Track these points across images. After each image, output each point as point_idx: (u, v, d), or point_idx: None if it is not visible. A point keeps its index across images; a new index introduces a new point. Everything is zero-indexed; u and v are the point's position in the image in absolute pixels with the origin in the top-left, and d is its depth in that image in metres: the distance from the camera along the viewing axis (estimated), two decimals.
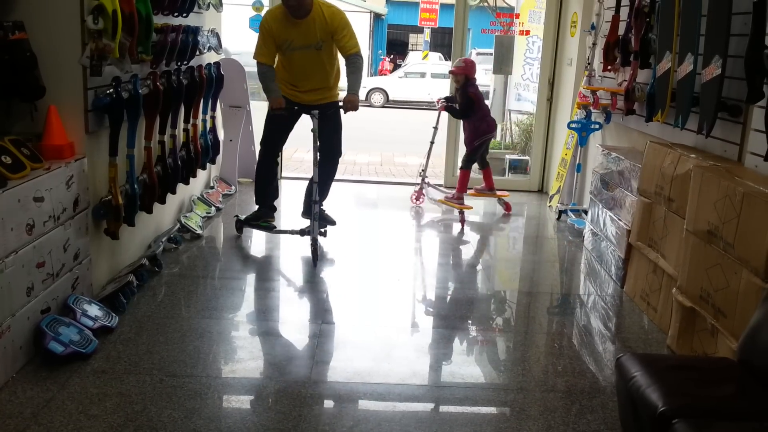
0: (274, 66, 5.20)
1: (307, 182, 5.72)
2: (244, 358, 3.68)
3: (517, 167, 8.47)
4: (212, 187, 6.66)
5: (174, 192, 5.14)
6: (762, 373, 2.63)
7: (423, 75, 21.25)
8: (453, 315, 4.45)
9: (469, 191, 6.83)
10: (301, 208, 5.70)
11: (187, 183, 5.52)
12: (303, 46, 5.05)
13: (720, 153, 4.16)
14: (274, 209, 5.70)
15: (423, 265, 5.48)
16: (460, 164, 6.89)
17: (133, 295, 4.23)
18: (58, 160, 3.66)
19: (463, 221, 6.49)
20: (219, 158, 6.77)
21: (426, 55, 23.25)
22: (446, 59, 21.79)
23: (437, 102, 6.90)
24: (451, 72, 6.72)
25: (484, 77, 14.04)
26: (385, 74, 24.91)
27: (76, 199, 3.77)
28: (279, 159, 5.70)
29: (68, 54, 3.73)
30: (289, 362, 3.65)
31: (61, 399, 3.11)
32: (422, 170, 7.02)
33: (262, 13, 7.65)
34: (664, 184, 4.30)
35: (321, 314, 4.31)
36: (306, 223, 5.38)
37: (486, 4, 10.06)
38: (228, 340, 3.88)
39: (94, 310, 3.77)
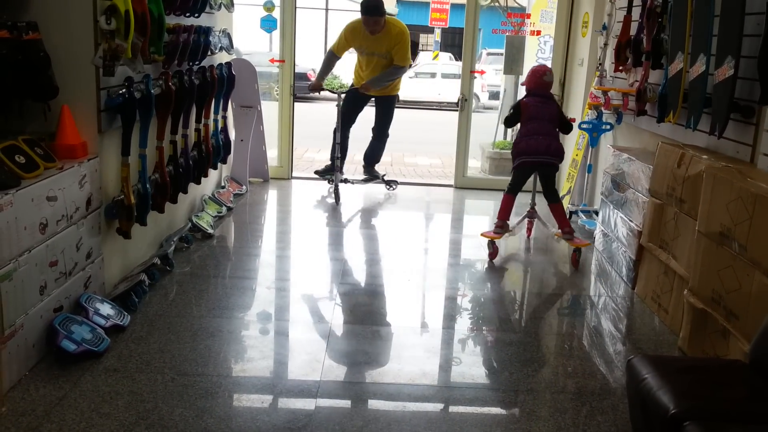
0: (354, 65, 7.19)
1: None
2: (255, 357, 3.69)
3: None
4: (223, 187, 6.68)
5: (185, 191, 5.16)
6: None
7: (433, 75, 21.21)
8: (463, 315, 4.45)
9: (554, 233, 5.66)
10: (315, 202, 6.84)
11: (198, 182, 5.55)
12: (372, 52, 6.87)
13: (732, 154, 4.13)
14: (340, 166, 7.13)
15: (433, 266, 5.48)
16: (552, 199, 5.58)
17: (144, 294, 4.25)
18: (71, 159, 3.68)
19: (492, 255, 5.43)
20: (230, 158, 6.79)
21: (436, 56, 23.19)
22: (456, 59, 21.75)
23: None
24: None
25: (495, 77, 14.03)
26: None
27: (88, 199, 3.79)
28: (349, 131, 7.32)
29: (81, 54, 3.75)
30: (299, 362, 3.66)
31: (73, 397, 3.13)
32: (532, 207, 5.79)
33: (273, 13, 7.70)
34: (675, 185, 4.29)
35: (331, 314, 4.32)
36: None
37: (497, 4, 10.04)
38: (239, 339, 3.89)
39: (106, 308, 3.79)
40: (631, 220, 5.01)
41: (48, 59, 3.55)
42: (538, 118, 5.40)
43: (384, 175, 7.57)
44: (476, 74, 7.94)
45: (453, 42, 26.77)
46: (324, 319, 4.24)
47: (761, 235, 3.19)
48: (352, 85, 7.21)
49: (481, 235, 5.57)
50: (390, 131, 7.41)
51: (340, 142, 7.00)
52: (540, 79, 5.50)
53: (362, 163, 7.56)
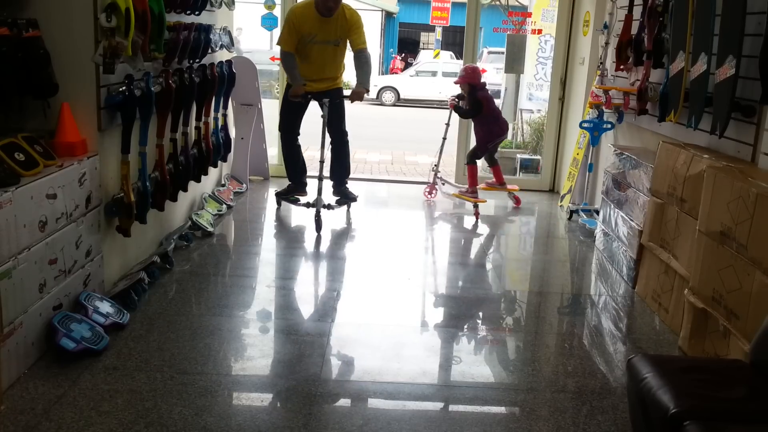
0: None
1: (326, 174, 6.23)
2: (255, 355, 3.69)
3: (529, 166, 8.45)
4: (224, 185, 6.68)
5: (186, 189, 5.15)
6: None
7: (434, 74, 21.22)
8: (463, 314, 4.45)
9: (480, 186, 7.04)
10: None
11: (198, 181, 5.54)
12: (324, 41, 5.84)
13: (733, 153, 4.13)
14: (304, 185, 6.44)
15: (433, 264, 5.48)
16: (465, 160, 7.18)
17: (144, 292, 4.25)
18: (70, 157, 3.68)
19: (477, 214, 6.76)
20: (230, 156, 6.79)
21: (437, 54, 23.19)
22: (458, 58, 21.75)
23: (449, 99, 7.02)
24: (456, 83, 6.92)
25: (496, 76, 14.02)
26: (396, 73, 24.88)
27: (88, 196, 3.79)
28: (298, 140, 6.32)
29: (81, 52, 3.74)
30: (299, 360, 3.65)
31: (72, 395, 3.13)
32: (435, 165, 7.21)
33: (274, 11, 7.69)
34: (676, 184, 4.28)
35: (331, 313, 4.32)
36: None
37: (498, 2, 10.03)
38: (238, 337, 3.89)
39: (105, 307, 3.79)
40: (631, 220, 5.00)
41: (48, 56, 3.55)
42: (493, 104, 6.91)
43: (356, 197, 6.55)
44: None
45: (454, 40, 26.77)
46: (323, 317, 4.23)
47: (762, 235, 3.18)
48: (289, 86, 6.01)
49: (458, 196, 7.04)
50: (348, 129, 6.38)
51: (299, 159, 6.24)
52: (480, 74, 6.82)
53: (330, 182, 6.44)
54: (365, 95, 5.98)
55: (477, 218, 6.72)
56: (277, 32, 7.59)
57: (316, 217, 5.79)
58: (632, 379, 2.72)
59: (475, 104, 6.74)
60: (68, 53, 3.71)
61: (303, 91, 5.85)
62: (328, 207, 6.06)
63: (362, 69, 5.86)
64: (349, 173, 6.50)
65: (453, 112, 7.01)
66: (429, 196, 7.21)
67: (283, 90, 6.47)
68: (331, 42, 5.87)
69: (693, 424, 2.31)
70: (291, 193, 6.36)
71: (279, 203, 6.49)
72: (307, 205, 5.99)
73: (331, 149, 6.20)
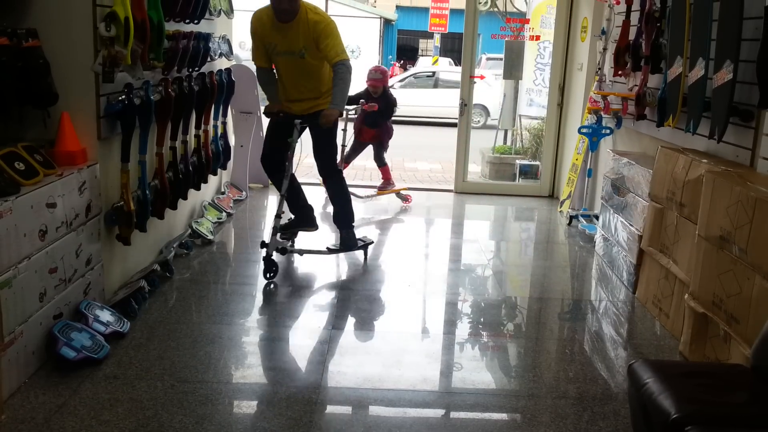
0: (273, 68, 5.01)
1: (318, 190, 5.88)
2: (255, 363, 3.69)
3: (528, 172, 8.46)
4: (223, 193, 6.69)
5: (185, 198, 5.16)
6: None
7: (432, 79, 21.22)
8: (463, 321, 4.45)
9: (371, 194, 7.45)
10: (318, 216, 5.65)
11: (198, 189, 5.55)
12: (286, 51, 4.76)
13: (732, 158, 4.14)
14: (311, 218, 5.45)
15: (433, 271, 5.48)
16: (378, 163, 7.51)
17: (144, 300, 4.25)
18: (70, 166, 3.68)
19: (408, 199, 7.33)
20: (230, 164, 6.79)
21: (436, 61, 23.25)
22: (456, 64, 21.77)
23: (361, 105, 6.73)
24: (372, 83, 7.01)
25: (494, 82, 14.03)
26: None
27: (88, 205, 3.79)
28: (285, 171, 4.97)
29: (81, 61, 3.75)
30: (299, 368, 3.65)
31: (73, 404, 3.12)
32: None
33: None
34: (675, 189, 4.28)
35: (331, 320, 4.31)
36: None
37: (496, 9, 10.06)
38: (239, 345, 3.88)
39: (105, 315, 3.79)
40: (631, 225, 5.01)
41: (48, 66, 3.56)
42: None
43: (371, 242, 5.57)
44: (476, 79, 7.93)
45: (452, 47, 26.83)
46: (324, 324, 4.23)
47: (761, 239, 3.18)
48: (267, 108, 5.07)
49: (383, 192, 7.41)
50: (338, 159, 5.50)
51: (285, 192, 4.98)
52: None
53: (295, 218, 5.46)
54: (329, 123, 4.72)
55: (409, 202, 7.27)
56: None
57: (265, 260, 4.80)
58: (633, 384, 2.72)
59: (392, 105, 7.06)
60: (68, 63, 3.72)
61: (277, 109, 4.94)
62: (300, 253, 5.27)
63: (336, 86, 4.69)
64: (349, 218, 5.35)
65: (362, 117, 7.04)
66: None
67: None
68: (295, 54, 4.74)
69: (694, 429, 2.30)
70: (293, 227, 5.43)
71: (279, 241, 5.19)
72: (262, 244, 4.98)
73: (327, 191, 5.54)
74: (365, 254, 5.47)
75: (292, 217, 5.45)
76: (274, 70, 5.02)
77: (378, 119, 7.08)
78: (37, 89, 3.52)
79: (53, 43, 3.65)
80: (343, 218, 5.33)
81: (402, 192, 7.42)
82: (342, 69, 4.67)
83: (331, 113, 4.69)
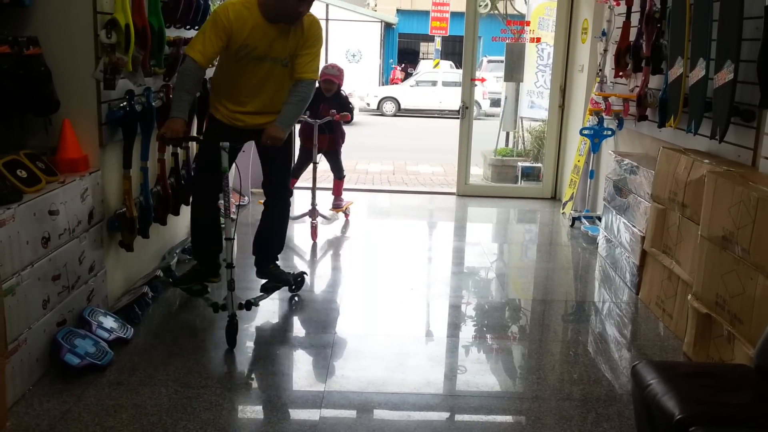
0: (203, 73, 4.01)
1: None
2: (258, 368, 3.69)
3: (530, 174, 8.47)
4: None
5: (188, 203, 5.16)
6: None
7: (434, 83, 21.29)
8: (467, 323, 4.44)
9: (327, 215, 6.44)
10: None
11: None
12: (265, 57, 3.92)
13: (734, 158, 4.13)
14: (217, 266, 4.44)
15: (436, 274, 5.47)
16: (336, 175, 6.66)
17: (147, 306, 4.25)
18: (72, 173, 3.69)
19: (348, 215, 6.81)
20: (232, 169, 6.78)
21: (437, 64, 23.28)
22: (457, 67, 21.79)
23: (330, 114, 5.98)
24: (328, 79, 6.19)
25: (495, 85, 14.04)
26: (396, 83, 24.97)
27: (90, 212, 3.80)
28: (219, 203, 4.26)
29: (82, 68, 3.76)
30: (303, 372, 3.65)
31: (77, 411, 3.13)
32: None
33: None
34: (677, 189, 4.28)
35: (333, 324, 4.31)
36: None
37: (496, 11, 10.08)
38: (242, 350, 3.88)
39: (109, 321, 3.79)
40: (633, 226, 5.00)
41: (49, 74, 3.56)
42: None
43: (300, 275, 4.72)
44: (477, 82, 7.94)
45: (453, 50, 26.85)
46: (326, 328, 4.23)
47: (764, 239, 3.18)
48: (207, 125, 4.37)
49: (341, 210, 6.70)
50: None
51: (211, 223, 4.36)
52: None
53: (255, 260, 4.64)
54: (275, 141, 3.89)
55: (348, 218, 6.76)
56: None
57: (228, 326, 3.83)
58: (637, 385, 2.72)
59: (349, 109, 6.26)
60: (69, 70, 3.73)
61: (181, 131, 3.81)
62: (246, 306, 4.08)
63: (294, 104, 3.97)
64: (282, 248, 4.61)
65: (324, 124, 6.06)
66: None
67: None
68: (277, 60, 3.95)
69: (698, 429, 2.30)
70: (195, 278, 4.39)
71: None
72: (215, 307, 3.99)
73: (264, 212, 4.49)
74: (295, 288, 4.70)
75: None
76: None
77: (332, 122, 6.10)
78: (38, 97, 3.53)
79: (54, 50, 3.66)
80: (279, 248, 4.59)
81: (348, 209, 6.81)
82: (308, 89, 4.01)
83: (278, 132, 3.89)
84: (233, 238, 3.93)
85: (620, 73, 5.80)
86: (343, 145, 6.65)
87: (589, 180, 6.71)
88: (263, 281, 4.54)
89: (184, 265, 5.09)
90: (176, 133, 3.79)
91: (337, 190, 6.77)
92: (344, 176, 6.78)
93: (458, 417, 3.30)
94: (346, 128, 6.73)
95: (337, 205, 6.72)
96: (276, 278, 4.52)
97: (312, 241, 5.98)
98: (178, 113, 3.83)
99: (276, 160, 4.28)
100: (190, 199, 4.43)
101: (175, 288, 4.55)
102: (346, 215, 6.80)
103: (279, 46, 3.94)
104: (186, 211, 5.30)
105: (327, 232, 6.18)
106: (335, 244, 6.02)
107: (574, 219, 6.72)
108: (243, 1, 3.89)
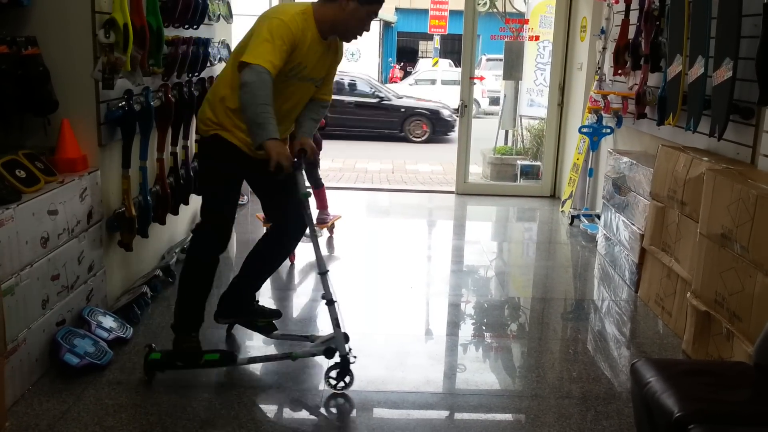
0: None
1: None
2: (258, 367, 3.69)
3: (529, 173, 8.47)
4: None
5: (187, 203, 5.16)
6: None
7: (433, 82, 21.26)
8: (466, 322, 4.45)
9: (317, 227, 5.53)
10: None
11: (199, 194, 5.54)
12: (309, 77, 3.43)
13: (733, 156, 4.13)
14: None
15: (436, 273, 5.48)
16: (314, 185, 5.85)
17: (147, 306, 4.25)
18: (71, 173, 3.69)
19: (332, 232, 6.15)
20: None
21: (436, 62, 23.25)
22: (456, 66, 21.77)
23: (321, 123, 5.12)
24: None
25: (494, 83, 14.04)
26: (395, 81, 24.96)
27: (89, 212, 3.79)
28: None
29: (80, 68, 3.76)
30: (303, 371, 3.65)
31: (76, 411, 3.13)
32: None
33: None
34: (676, 187, 4.28)
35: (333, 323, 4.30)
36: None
37: (495, 10, 10.08)
38: (242, 350, 3.88)
39: (108, 321, 3.79)
40: (633, 224, 5.00)
41: (47, 73, 3.56)
42: None
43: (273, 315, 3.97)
44: (476, 80, 7.94)
45: (452, 48, 26.83)
46: (326, 327, 4.22)
47: (763, 237, 3.18)
48: (224, 146, 3.40)
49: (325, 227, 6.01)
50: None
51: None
52: None
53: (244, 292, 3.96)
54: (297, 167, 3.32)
55: (332, 235, 6.09)
56: None
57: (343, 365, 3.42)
58: (636, 383, 2.72)
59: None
60: (67, 70, 3.73)
61: (289, 152, 3.29)
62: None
63: (315, 122, 3.63)
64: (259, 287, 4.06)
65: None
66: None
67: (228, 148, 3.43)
68: (315, 80, 3.49)
69: (698, 427, 2.30)
70: (185, 357, 3.50)
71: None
72: (329, 353, 3.48)
73: (266, 238, 4.00)
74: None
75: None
76: None
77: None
78: (37, 97, 3.53)
79: (53, 50, 3.66)
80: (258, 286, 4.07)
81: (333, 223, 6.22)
82: (326, 112, 3.73)
83: (312, 142, 3.57)
84: (328, 270, 3.53)
85: (619, 71, 5.80)
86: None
87: (588, 178, 6.72)
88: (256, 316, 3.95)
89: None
90: (289, 158, 3.16)
91: (322, 202, 6.07)
92: (322, 185, 6.05)
93: (458, 415, 3.30)
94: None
95: (322, 221, 6.00)
96: (260, 313, 3.96)
97: (289, 263, 5.35)
98: (274, 133, 3.10)
99: (294, 188, 3.40)
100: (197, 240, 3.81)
101: (174, 285, 4.43)
102: (330, 232, 6.14)
103: (322, 65, 3.46)
104: (185, 210, 5.31)
105: (326, 231, 6.16)
106: (335, 244, 6.01)
107: (573, 217, 6.72)
108: (300, 10, 3.30)
